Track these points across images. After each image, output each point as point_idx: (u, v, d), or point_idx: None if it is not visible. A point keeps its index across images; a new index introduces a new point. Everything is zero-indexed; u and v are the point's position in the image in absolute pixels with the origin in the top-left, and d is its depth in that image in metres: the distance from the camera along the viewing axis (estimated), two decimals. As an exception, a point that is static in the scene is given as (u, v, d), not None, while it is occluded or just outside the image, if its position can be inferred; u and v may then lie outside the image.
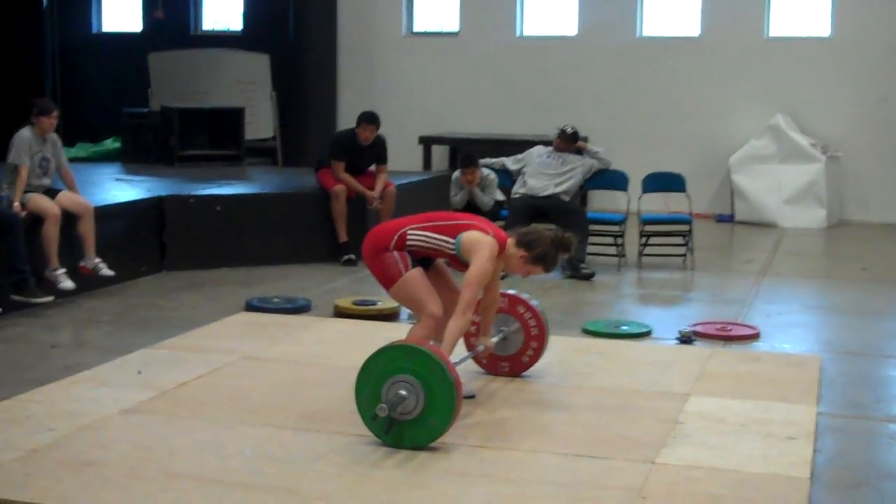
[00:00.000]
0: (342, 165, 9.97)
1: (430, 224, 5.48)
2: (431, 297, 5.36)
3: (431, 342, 5.24)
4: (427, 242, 5.42)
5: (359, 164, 10.13)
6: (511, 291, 6.11)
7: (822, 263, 11.29)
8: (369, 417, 4.91)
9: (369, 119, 9.96)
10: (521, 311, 6.07)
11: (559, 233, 5.53)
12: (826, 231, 12.91)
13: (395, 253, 5.38)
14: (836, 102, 13.70)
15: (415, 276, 5.37)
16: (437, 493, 4.40)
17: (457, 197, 10.31)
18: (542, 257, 5.45)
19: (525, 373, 6.15)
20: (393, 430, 4.87)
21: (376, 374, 4.91)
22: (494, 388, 5.88)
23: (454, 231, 5.41)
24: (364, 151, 10.09)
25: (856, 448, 5.21)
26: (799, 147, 13.22)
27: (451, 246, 5.39)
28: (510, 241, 5.48)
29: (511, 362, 6.09)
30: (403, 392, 4.84)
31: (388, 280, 5.41)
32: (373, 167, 10.25)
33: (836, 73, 13.70)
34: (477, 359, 6.04)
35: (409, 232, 5.44)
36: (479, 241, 5.35)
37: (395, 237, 5.42)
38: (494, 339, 5.86)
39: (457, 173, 10.36)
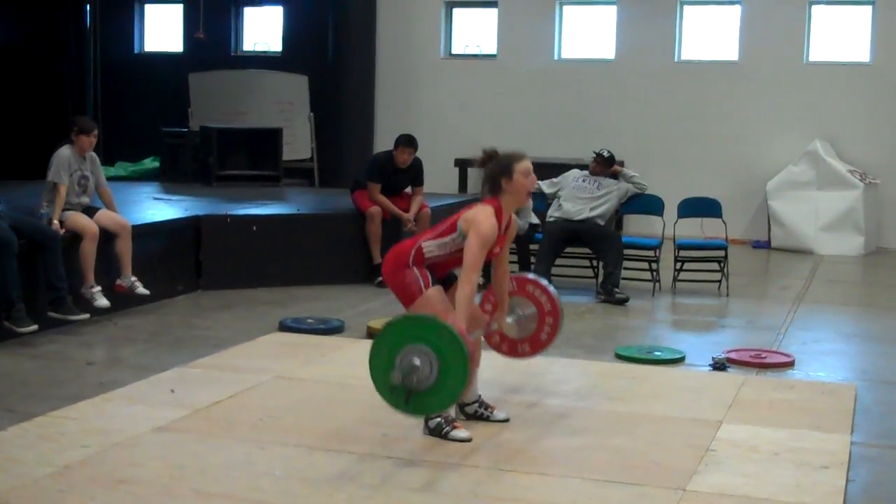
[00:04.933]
0: (378, 187, 10.01)
1: (437, 230, 5.49)
2: (448, 315, 5.31)
3: None
4: (441, 249, 5.41)
5: (395, 186, 10.17)
6: (519, 274, 6.06)
7: (859, 291, 11.19)
8: (387, 391, 4.90)
9: (407, 142, 10.00)
10: (531, 289, 6.00)
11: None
12: (863, 258, 12.81)
13: (415, 269, 5.36)
14: (874, 129, 13.62)
15: (434, 294, 5.34)
16: (466, 516, 4.39)
17: None
18: (499, 169, 5.37)
19: (556, 399, 6.13)
20: (412, 399, 4.86)
21: (388, 348, 4.90)
22: (526, 412, 5.87)
23: (454, 224, 5.39)
24: (400, 173, 10.13)
25: (890, 478, 5.15)
26: (837, 174, 13.14)
27: (457, 238, 5.35)
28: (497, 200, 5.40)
29: (531, 343, 6.01)
30: (417, 361, 4.83)
31: (408, 298, 5.38)
32: (408, 189, 10.28)
33: (876, 99, 13.63)
34: (496, 346, 5.99)
35: (423, 245, 5.44)
36: (474, 212, 5.32)
37: (413, 253, 5.41)
38: (509, 320, 5.82)
39: None
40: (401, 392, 4.84)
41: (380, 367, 4.91)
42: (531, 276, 6.15)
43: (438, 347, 4.80)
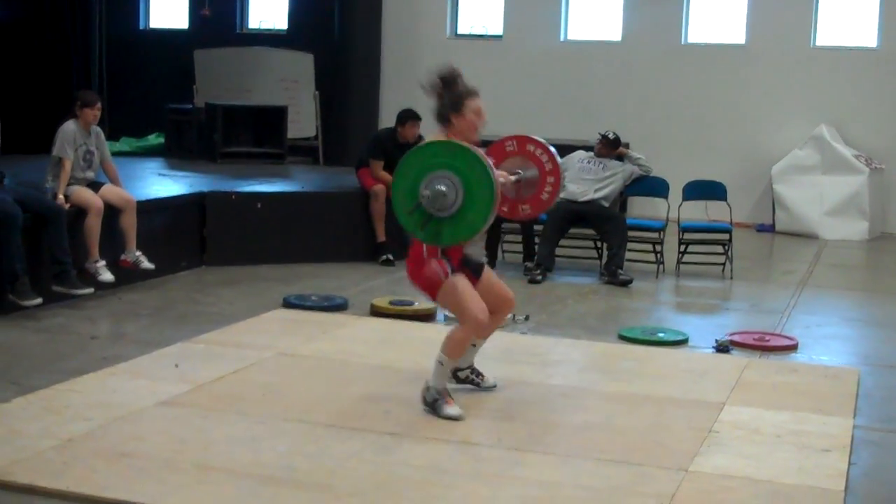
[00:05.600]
0: (380, 164, 9.99)
1: None
2: (474, 301, 5.30)
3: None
4: None
5: (397, 163, 10.11)
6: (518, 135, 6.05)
7: (863, 276, 11.19)
8: (405, 213, 4.90)
9: (415, 116, 9.92)
10: (532, 149, 5.97)
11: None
12: (868, 243, 12.79)
13: (433, 262, 5.34)
14: (880, 114, 13.58)
15: (455, 281, 5.32)
16: (469, 493, 4.40)
17: None
18: (449, 103, 5.36)
19: (559, 379, 6.14)
20: (429, 225, 4.84)
21: (415, 169, 4.91)
22: (529, 391, 5.88)
23: None
24: (403, 150, 10.08)
25: (892, 462, 5.16)
26: (842, 158, 13.11)
27: None
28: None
29: (531, 203, 6.00)
30: (443, 188, 4.82)
31: (433, 289, 5.35)
32: None
33: (882, 84, 13.58)
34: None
35: None
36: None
37: (424, 246, 5.40)
38: (513, 178, 5.82)
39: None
40: (418, 216, 4.82)
41: (403, 187, 4.91)
42: (531, 136, 6.09)
43: (468, 180, 4.80)
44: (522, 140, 5.97)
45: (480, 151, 5.01)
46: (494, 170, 4.96)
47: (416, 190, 4.89)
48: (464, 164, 4.82)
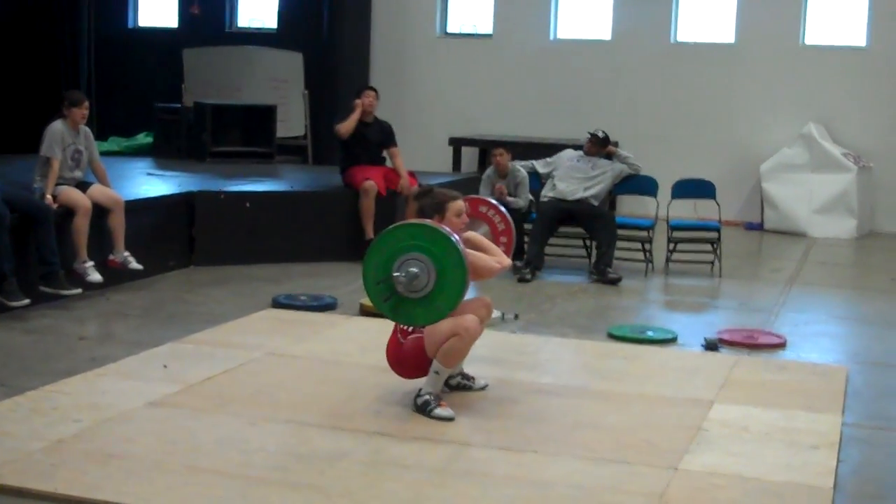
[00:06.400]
0: (349, 124, 10.03)
1: None
2: (458, 318, 5.25)
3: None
4: None
5: (367, 150, 10.12)
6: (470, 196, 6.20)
7: (852, 274, 11.21)
8: (373, 282, 5.03)
9: (369, 87, 10.26)
10: (484, 210, 6.12)
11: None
12: (856, 241, 12.83)
13: (409, 338, 5.39)
14: (869, 113, 13.62)
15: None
16: (459, 493, 4.40)
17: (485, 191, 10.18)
18: (433, 206, 5.45)
19: (549, 377, 6.15)
20: (392, 300, 4.97)
21: (392, 247, 5.01)
22: (518, 390, 5.88)
23: None
24: (368, 131, 10.07)
25: (880, 459, 5.17)
26: (831, 157, 13.15)
27: None
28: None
29: None
30: (415, 269, 4.90)
31: (420, 353, 5.34)
32: (385, 157, 10.24)
33: (871, 83, 13.62)
34: None
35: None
36: None
37: (392, 333, 5.48)
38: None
39: (488, 171, 10.25)
40: (384, 289, 4.90)
41: (377, 260, 5.05)
42: (482, 197, 6.33)
43: (443, 266, 4.94)
44: (474, 202, 6.15)
45: (456, 238, 5.10)
46: (466, 253, 5.06)
47: (389, 265, 5.01)
48: (441, 251, 4.92)
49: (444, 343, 5.23)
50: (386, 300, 5.04)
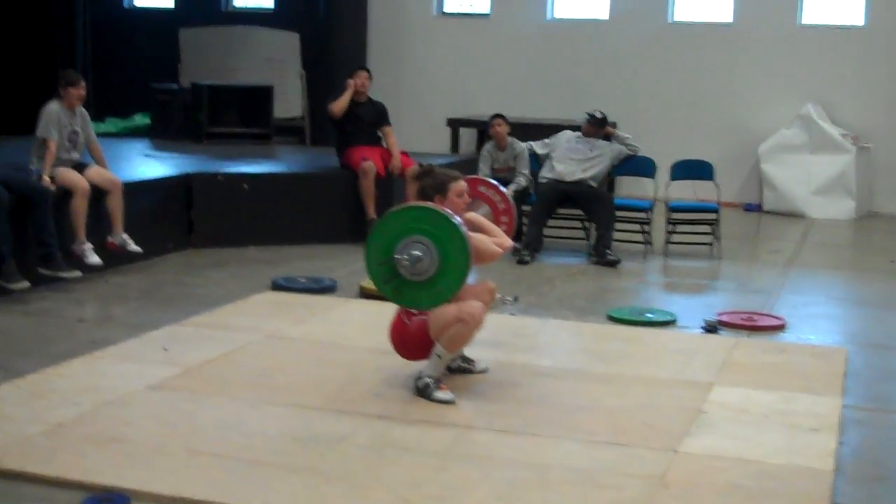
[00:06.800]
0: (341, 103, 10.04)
1: None
2: (462, 303, 5.26)
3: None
4: None
5: (361, 130, 10.10)
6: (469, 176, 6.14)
7: (850, 255, 11.21)
8: (375, 264, 5.03)
9: (362, 67, 10.32)
10: (483, 189, 6.11)
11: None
12: (855, 222, 12.82)
13: (413, 320, 5.40)
14: (867, 93, 13.58)
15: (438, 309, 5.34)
16: (458, 476, 4.41)
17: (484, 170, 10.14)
18: (434, 186, 5.43)
19: (548, 360, 6.15)
20: (394, 282, 4.98)
21: (395, 229, 5.01)
22: (517, 373, 5.88)
23: None
24: (363, 112, 10.06)
25: (880, 441, 5.18)
26: (829, 137, 13.12)
27: None
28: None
29: None
30: (418, 252, 4.92)
31: (424, 336, 5.34)
32: (379, 136, 10.23)
33: (869, 63, 13.57)
34: None
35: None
36: None
37: (398, 313, 5.45)
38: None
39: (487, 146, 10.22)
40: (386, 271, 4.93)
41: (380, 242, 5.05)
42: (481, 177, 6.31)
43: (446, 251, 4.94)
44: (473, 182, 6.09)
45: (460, 220, 5.09)
46: (469, 237, 5.06)
47: (391, 247, 5.02)
48: (445, 236, 4.91)
49: (449, 327, 5.22)
50: (387, 282, 5.03)
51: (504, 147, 9.97)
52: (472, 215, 5.56)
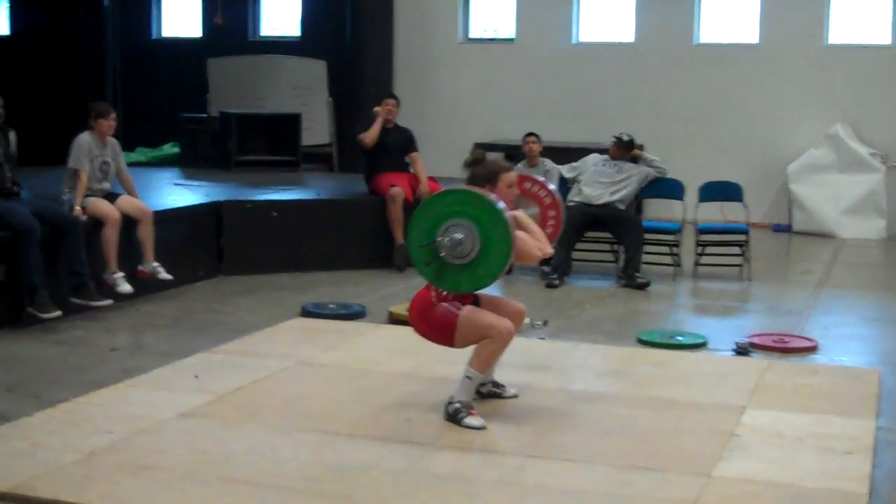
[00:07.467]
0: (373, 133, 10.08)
1: None
2: (496, 317, 5.29)
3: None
4: None
5: (390, 157, 10.13)
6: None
7: (882, 275, 11.13)
8: (417, 245, 5.04)
9: (390, 94, 10.40)
10: (528, 186, 6.08)
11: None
12: (885, 242, 12.73)
13: (442, 304, 5.36)
14: (895, 111, 13.51)
15: (470, 310, 5.33)
16: (490, 502, 4.39)
17: None
18: (485, 175, 5.44)
19: (580, 384, 6.12)
20: (434, 264, 4.98)
21: (438, 211, 5.02)
22: (549, 397, 5.86)
23: None
24: (390, 139, 10.10)
25: (916, 464, 5.13)
26: (858, 157, 13.06)
27: None
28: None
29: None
30: (460, 235, 4.93)
31: (446, 329, 5.32)
32: (407, 161, 10.26)
33: (897, 81, 13.52)
34: None
35: None
36: None
37: (433, 293, 5.39)
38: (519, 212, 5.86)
39: (518, 165, 10.19)
40: (427, 252, 4.94)
41: (423, 224, 5.06)
42: (526, 174, 6.32)
43: (488, 235, 4.94)
44: (519, 178, 6.03)
45: (503, 205, 5.10)
46: (514, 226, 5.07)
47: (434, 229, 5.02)
48: (488, 220, 4.92)
49: (473, 339, 5.23)
50: (428, 264, 5.03)
51: (535, 165, 10.00)
52: (518, 213, 5.53)
